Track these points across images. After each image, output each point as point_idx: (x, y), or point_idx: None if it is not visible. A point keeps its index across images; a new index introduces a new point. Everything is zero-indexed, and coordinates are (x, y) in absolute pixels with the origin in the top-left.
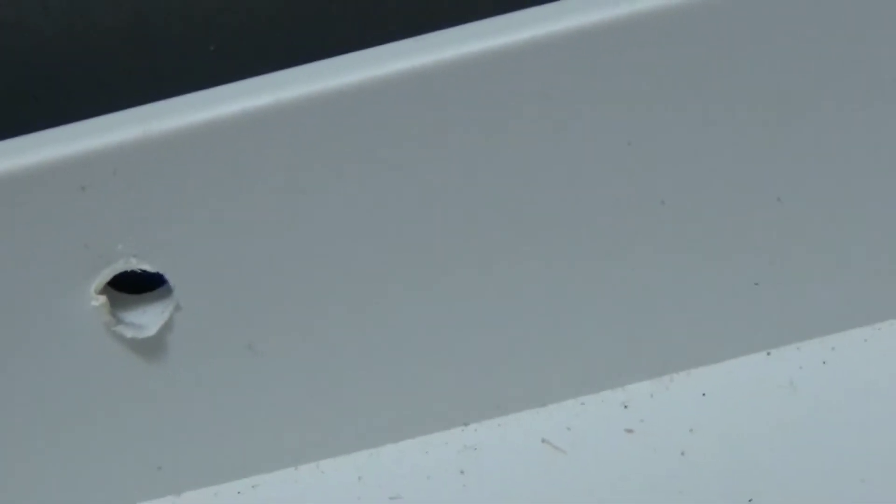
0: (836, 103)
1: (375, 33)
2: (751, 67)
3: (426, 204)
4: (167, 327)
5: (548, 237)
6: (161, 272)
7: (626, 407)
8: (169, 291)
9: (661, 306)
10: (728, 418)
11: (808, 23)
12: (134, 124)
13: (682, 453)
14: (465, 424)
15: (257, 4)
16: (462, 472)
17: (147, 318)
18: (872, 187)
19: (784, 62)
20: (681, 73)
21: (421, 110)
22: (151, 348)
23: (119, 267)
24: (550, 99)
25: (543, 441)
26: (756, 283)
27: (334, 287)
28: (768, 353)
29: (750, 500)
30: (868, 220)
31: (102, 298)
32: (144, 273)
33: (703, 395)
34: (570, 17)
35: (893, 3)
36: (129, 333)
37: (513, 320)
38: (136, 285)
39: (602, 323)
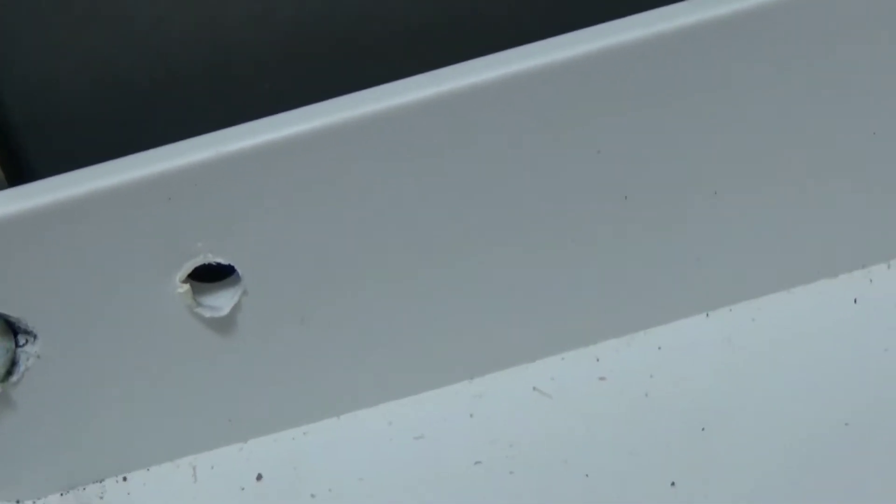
0: (754, 111)
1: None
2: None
3: (442, 204)
4: (237, 308)
5: (535, 232)
6: (232, 264)
7: (597, 360)
8: (238, 279)
9: (623, 280)
10: (680, 366)
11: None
12: (208, 147)
13: (646, 394)
14: (471, 378)
15: (305, 57)
16: (471, 416)
17: (221, 301)
18: (782, 182)
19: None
20: (639, 100)
21: (442, 131)
22: (225, 325)
23: (199, 261)
24: (558, 121)
25: (534, 389)
26: (698, 259)
27: (365, 275)
28: (707, 315)
29: (703, 429)
30: (780, 210)
31: (186, 286)
32: (219, 265)
33: (659, 348)
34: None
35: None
36: (207, 314)
37: (506, 296)
38: (211, 275)
39: (577, 295)
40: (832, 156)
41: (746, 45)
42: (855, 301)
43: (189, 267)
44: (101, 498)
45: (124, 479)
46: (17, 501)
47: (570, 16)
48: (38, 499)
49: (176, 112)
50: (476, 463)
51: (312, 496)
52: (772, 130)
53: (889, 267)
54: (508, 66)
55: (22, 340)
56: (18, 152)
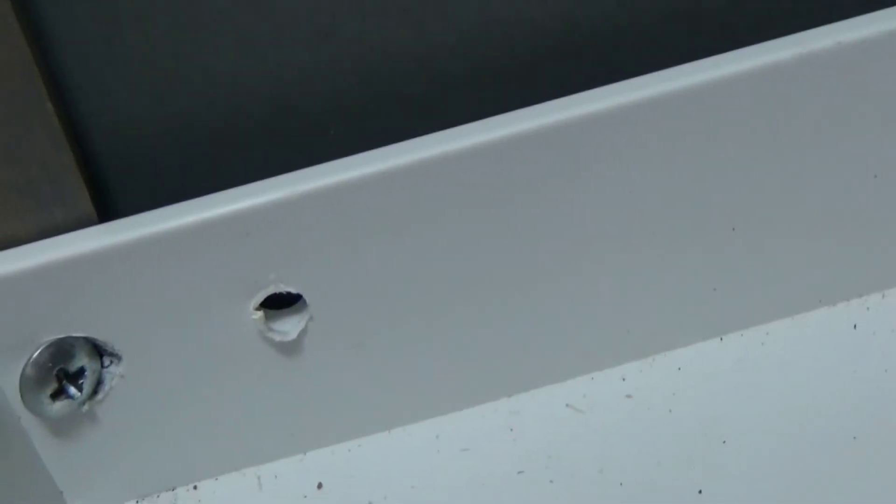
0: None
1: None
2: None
3: (485, 244)
4: (303, 332)
5: (569, 267)
6: (300, 293)
7: (623, 379)
8: (305, 306)
9: (646, 308)
10: (698, 385)
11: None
12: (283, 187)
13: (669, 410)
14: (509, 396)
15: (361, 107)
16: (511, 430)
17: (289, 326)
18: (790, 222)
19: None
20: (672, 150)
21: (487, 177)
22: (292, 348)
23: (271, 290)
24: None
25: (567, 405)
26: (714, 289)
27: (417, 305)
28: (721, 339)
29: (724, 442)
30: (787, 246)
31: (259, 313)
32: (287, 293)
33: (679, 369)
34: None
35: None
36: (277, 338)
37: (540, 322)
38: (278, 301)
39: (605, 320)
40: (835, 199)
41: (759, 104)
42: (854, 327)
43: (262, 296)
44: None
45: (195, 487)
46: None
47: (597, 71)
48: None
49: (247, 155)
50: (519, 472)
51: (370, 503)
52: (783, 178)
53: (883, 296)
54: (550, 116)
55: (107, 362)
56: (108, 192)
